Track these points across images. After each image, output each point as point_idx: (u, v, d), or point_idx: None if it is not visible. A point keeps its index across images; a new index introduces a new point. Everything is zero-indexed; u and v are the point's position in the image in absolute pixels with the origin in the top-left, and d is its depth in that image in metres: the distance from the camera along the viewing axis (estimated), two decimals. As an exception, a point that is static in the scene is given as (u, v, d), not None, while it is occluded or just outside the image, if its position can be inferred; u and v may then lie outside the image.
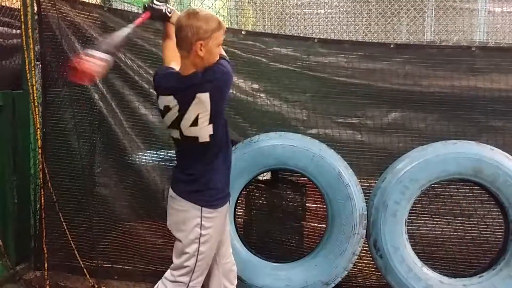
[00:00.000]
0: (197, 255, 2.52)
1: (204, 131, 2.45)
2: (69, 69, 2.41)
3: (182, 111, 2.44)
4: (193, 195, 2.51)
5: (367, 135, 3.53)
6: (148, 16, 2.76)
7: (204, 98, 2.38)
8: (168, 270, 2.64)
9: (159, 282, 2.64)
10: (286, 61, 3.55)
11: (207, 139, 2.46)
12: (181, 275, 2.57)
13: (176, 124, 2.49)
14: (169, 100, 2.48)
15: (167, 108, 2.50)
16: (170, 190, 2.61)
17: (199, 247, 2.51)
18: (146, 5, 2.74)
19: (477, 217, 3.51)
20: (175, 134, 2.54)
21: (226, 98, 2.49)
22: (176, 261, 2.59)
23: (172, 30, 2.65)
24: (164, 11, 2.73)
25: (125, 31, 2.65)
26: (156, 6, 2.72)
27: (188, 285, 2.56)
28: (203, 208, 2.49)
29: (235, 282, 2.78)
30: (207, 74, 2.41)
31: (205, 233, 2.51)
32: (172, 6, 2.91)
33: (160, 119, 2.76)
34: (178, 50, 2.49)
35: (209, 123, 2.43)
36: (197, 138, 2.46)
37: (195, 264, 2.53)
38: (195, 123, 2.43)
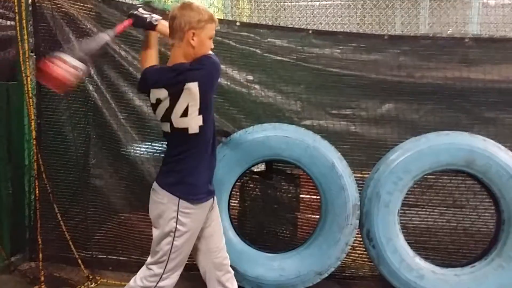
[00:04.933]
0: (171, 248, 2.52)
1: (194, 122, 2.46)
2: (40, 71, 2.29)
3: (173, 102, 2.46)
4: (173, 187, 2.51)
5: (361, 126, 3.56)
6: (129, 24, 2.65)
7: (193, 87, 2.40)
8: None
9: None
10: (281, 53, 3.56)
11: (197, 130, 2.47)
12: (154, 264, 2.57)
13: (167, 116, 2.50)
14: (161, 93, 2.49)
15: (159, 101, 2.51)
16: (154, 182, 2.62)
17: (173, 241, 2.51)
18: (130, 13, 2.67)
19: (469, 207, 3.54)
20: (166, 127, 2.55)
21: (214, 90, 2.52)
22: (151, 251, 2.60)
23: (155, 39, 2.71)
24: (148, 20, 2.64)
25: (103, 39, 2.54)
26: (140, 15, 2.64)
27: (161, 276, 2.56)
28: (180, 200, 2.49)
29: (230, 275, 2.75)
30: (195, 63, 2.45)
31: (180, 228, 2.50)
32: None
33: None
34: (171, 40, 2.52)
35: (199, 114, 2.45)
36: (187, 129, 2.47)
37: (169, 257, 2.53)
38: (185, 113, 2.45)
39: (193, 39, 2.45)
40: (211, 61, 2.47)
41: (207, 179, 2.58)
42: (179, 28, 2.46)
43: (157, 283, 2.57)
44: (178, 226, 2.50)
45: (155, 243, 2.57)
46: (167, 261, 2.54)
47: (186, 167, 2.52)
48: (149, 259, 2.61)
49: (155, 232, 2.57)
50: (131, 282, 2.63)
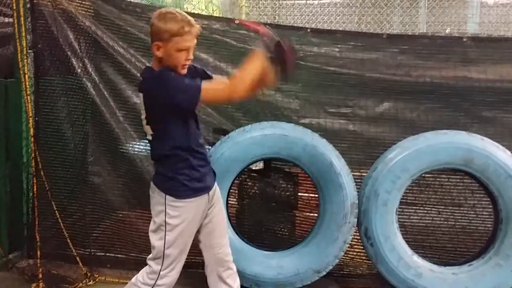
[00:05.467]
0: (164, 243, 2.51)
1: (146, 130, 2.52)
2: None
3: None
4: (159, 183, 2.54)
5: (359, 125, 3.57)
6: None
7: (141, 97, 2.49)
8: None
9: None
10: (279, 51, 3.56)
11: (151, 138, 2.52)
12: (153, 260, 2.57)
13: None
14: None
15: None
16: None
17: (165, 235, 2.51)
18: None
19: (467, 206, 3.55)
20: None
21: (169, 108, 2.38)
22: (151, 246, 2.60)
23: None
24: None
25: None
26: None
27: (159, 273, 2.55)
28: (166, 196, 2.50)
29: (231, 271, 2.74)
30: (155, 74, 2.44)
31: (170, 221, 2.49)
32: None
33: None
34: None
35: (147, 124, 2.49)
36: (145, 134, 2.56)
37: (163, 252, 2.52)
38: (140, 118, 2.54)
39: (158, 51, 2.40)
40: (161, 78, 2.38)
41: (190, 178, 2.51)
42: (150, 37, 2.44)
43: (156, 281, 2.55)
44: (167, 219, 2.49)
45: (151, 237, 2.58)
46: (163, 257, 2.53)
47: (165, 166, 2.52)
48: (149, 255, 2.61)
49: (152, 227, 2.58)
50: (133, 278, 2.63)
